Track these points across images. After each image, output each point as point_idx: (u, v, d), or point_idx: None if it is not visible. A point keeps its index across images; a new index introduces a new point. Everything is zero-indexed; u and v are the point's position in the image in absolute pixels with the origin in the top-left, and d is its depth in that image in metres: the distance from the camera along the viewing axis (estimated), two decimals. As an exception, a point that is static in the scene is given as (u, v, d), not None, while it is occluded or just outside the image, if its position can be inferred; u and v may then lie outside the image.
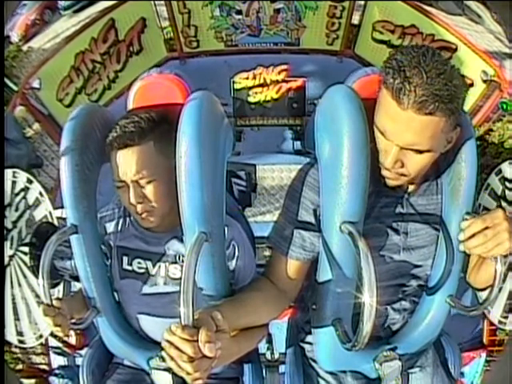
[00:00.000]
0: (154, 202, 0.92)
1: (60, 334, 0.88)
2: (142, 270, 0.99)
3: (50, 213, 1.29)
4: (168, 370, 0.94)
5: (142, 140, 0.90)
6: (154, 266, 0.99)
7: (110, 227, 1.01)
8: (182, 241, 0.96)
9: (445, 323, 0.98)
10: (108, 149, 0.93)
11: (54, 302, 0.88)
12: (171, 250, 0.98)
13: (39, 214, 1.30)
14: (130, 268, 0.99)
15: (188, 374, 0.66)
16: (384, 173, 0.85)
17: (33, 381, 2.22)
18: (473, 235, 0.81)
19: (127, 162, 0.90)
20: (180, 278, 0.95)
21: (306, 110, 4.04)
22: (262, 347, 1.28)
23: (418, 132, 0.76)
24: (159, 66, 4.24)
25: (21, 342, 1.32)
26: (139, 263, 0.99)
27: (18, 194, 1.30)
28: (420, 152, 0.79)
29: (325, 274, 0.90)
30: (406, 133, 0.77)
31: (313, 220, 0.91)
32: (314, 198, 0.90)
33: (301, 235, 0.91)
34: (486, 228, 0.79)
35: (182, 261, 0.95)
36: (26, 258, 1.28)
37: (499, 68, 3.74)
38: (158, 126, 0.93)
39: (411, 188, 0.91)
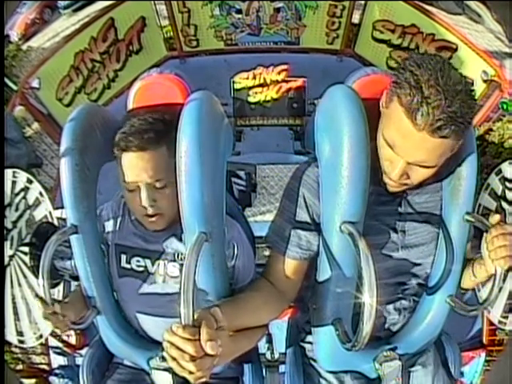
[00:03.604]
0: (166, 206, 0.92)
1: (59, 332, 0.88)
2: (141, 269, 0.99)
3: (50, 213, 1.29)
4: (168, 369, 0.94)
5: (158, 144, 0.89)
6: (152, 264, 0.98)
7: (109, 225, 1.01)
8: (181, 239, 0.96)
9: (445, 323, 0.98)
10: (119, 148, 0.91)
11: (54, 305, 0.88)
12: (170, 248, 0.98)
13: (39, 214, 1.29)
14: (128, 266, 0.99)
15: (191, 373, 0.66)
16: (386, 180, 0.85)
17: (33, 381, 2.22)
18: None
19: (143, 165, 0.89)
20: (179, 276, 0.95)
21: (306, 110, 4.04)
22: (262, 347, 1.27)
23: (429, 152, 0.76)
24: (159, 65, 4.25)
25: (21, 342, 1.31)
26: (138, 261, 0.99)
27: (18, 194, 1.29)
28: (427, 167, 0.79)
29: (325, 274, 0.90)
30: (416, 151, 0.76)
31: (309, 219, 0.91)
32: (310, 197, 0.90)
33: (297, 234, 0.91)
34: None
35: (181, 259, 0.95)
36: (26, 258, 1.28)
37: (499, 68, 3.74)
38: (171, 129, 0.90)
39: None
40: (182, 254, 0.96)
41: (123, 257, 0.99)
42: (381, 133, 0.82)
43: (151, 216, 0.93)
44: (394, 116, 0.77)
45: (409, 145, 0.76)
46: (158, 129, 0.90)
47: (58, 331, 0.89)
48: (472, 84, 0.76)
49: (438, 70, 0.73)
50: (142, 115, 0.92)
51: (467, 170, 0.88)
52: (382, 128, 0.81)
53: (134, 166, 0.90)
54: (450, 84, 0.72)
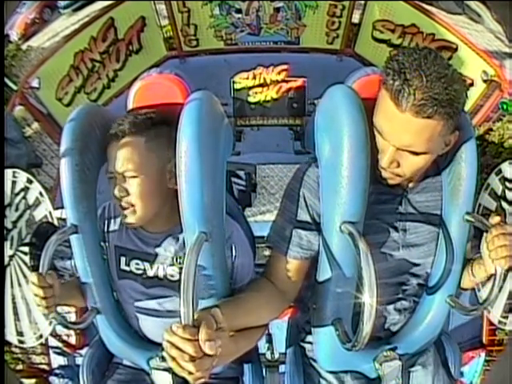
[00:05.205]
0: (134, 199, 0.92)
1: (43, 310, 0.87)
2: (140, 271, 0.99)
3: (50, 213, 1.29)
4: (168, 369, 0.94)
5: (133, 134, 0.92)
6: (151, 267, 0.98)
7: (109, 225, 1.01)
8: (180, 242, 0.96)
9: (445, 323, 0.98)
10: (106, 143, 0.94)
11: (47, 276, 0.87)
12: (169, 251, 0.98)
13: (39, 214, 1.29)
14: (127, 269, 0.99)
15: (190, 373, 0.66)
16: (381, 171, 0.85)
17: (33, 381, 2.23)
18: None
19: (117, 154, 0.92)
20: (179, 280, 0.95)
21: (306, 110, 4.04)
22: (262, 347, 1.28)
23: (414, 134, 0.76)
24: (159, 65, 4.24)
25: (21, 342, 1.31)
26: (137, 264, 0.99)
27: (18, 194, 1.30)
28: (416, 154, 0.79)
29: (325, 273, 0.90)
30: (403, 134, 0.77)
31: (310, 219, 0.91)
32: (310, 197, 0.90)
33: (298, 234, 0.92)
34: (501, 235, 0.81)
35: (180, 262, 0.95)
36: (26, 258, 1.28)
37: (499, 68, 3.73)
38: (155, 125, 0.94)
39: (410, 185, 0.91)
40: (181, 257, 0.95)
41: (122, 259, 0.99)
42: (373, 124, 0.83)
43: (123, 209, 0.93)
44: (381, 102, 0.79)
45: (394, 128, 0.78)
46: (136, 121, 0.93)
47: (41, 307, 0.87)
48: (460, 74, 0.76)
49: (423, 56, 0.75)
50: (128, 113, 0.97)
51: (467, 170, 0.88)
52: (374, 118, 0.83)
53: (113, 155, 0.93)
54: (433, 69, 0.73)
